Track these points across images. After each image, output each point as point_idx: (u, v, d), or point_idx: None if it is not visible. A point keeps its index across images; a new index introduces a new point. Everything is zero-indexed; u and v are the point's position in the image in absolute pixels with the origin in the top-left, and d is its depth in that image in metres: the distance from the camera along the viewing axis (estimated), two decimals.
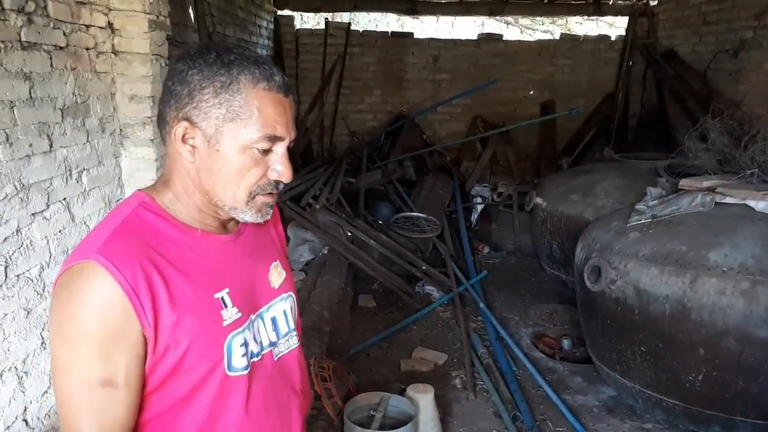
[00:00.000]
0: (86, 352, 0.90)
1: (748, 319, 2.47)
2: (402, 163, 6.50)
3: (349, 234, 4.69)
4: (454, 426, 3.02)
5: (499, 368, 3.47)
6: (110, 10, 2.66)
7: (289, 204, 4.66)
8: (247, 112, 0.95)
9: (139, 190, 1.06)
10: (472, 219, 6.12)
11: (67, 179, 2.37)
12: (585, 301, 3.16)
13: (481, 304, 4.21)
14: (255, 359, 1.06)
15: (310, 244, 4.84)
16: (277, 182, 1.02)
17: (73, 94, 2.40)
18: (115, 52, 2.72)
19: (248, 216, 1.02)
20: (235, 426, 1.04)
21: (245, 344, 1.03)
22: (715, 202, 2.89)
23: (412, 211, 5.48)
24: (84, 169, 2.51)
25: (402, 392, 2.82)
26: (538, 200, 4.65)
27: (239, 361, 1.02)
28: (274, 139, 0.98)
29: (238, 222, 1.10)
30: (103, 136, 2.68)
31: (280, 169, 1.00)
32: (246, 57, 0.98)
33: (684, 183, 3.12)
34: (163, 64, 2.93)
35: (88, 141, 2.53)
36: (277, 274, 1.17)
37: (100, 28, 2.60)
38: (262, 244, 1.17)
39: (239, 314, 1.03)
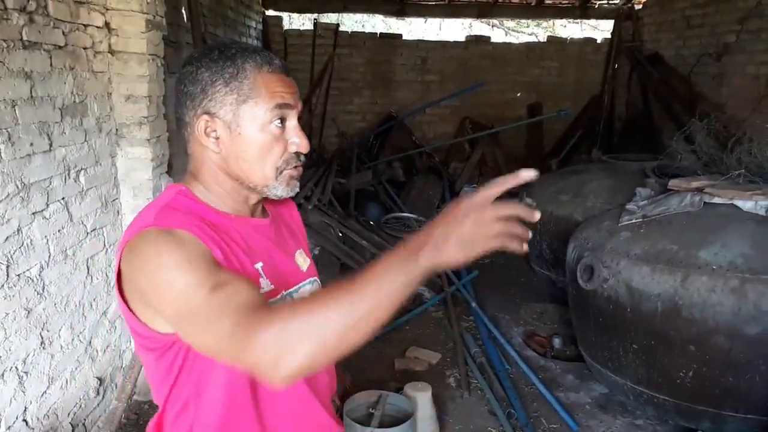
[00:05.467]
0: (191, 276, 0.92)
1: (737, 316, 2.53)
2: (391, 163, 6.54)
3: (341, 234, 4.71)
4: (450, 424, 3.06)
5: (493, 367, 3.51)
6: (107, 9, 2.66)
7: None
8: (256, 91, 1.04)
9: (169, 185, 1.11)
10: None
11: (65, 179, 2.37)
12: (577, 300, 3.21)
13: (473, 304, 4.25)
14: None
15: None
16: (298, 154, 1.10)
17: (72, 93, 2.40)
18: (111, 52, 2.72)
19: (280, 191, 1.09)
20: (272, 393, 1.06)
21: None
22: (704, 202, 2.95)
23: (403, 212, 5.52)
24: (82, 169, 2.50)
25: (398, 391, 2.85)
26: (528, 201, 4.67)
27: None
28: (284, 107, 1.06)
29: (264, 210, 1.19)
30: (100, 135, 2.67)
31: (297, 140, 1.08)
32: (246, 48, 1.07)
33: (673, 183, 3.18)
34: (159, 64, 2.93)
35: (85, 140, 2.53)
36: (302, 260, 1.24)
37: (97, 27, 2.60)
38: (286, 232, 1.24)
39: (272, 286, 1.09)
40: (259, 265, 1.08)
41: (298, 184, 1.12)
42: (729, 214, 2.86)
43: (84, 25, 2.50)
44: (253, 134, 1.05)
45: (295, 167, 1.09)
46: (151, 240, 0.96)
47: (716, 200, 2.93)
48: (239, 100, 1.03)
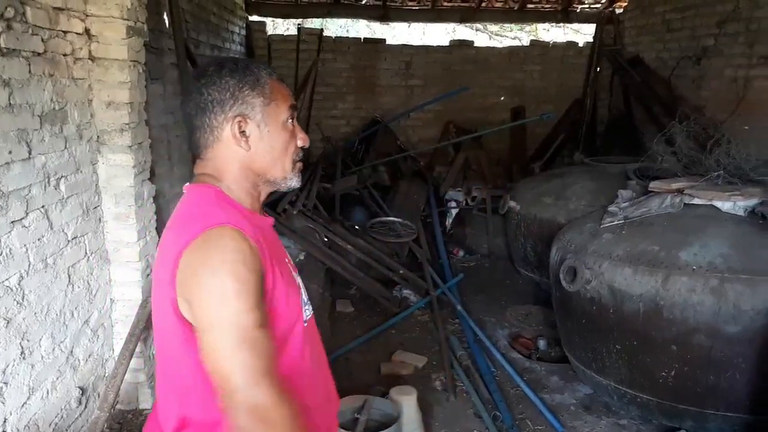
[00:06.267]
0: (245, 303, 1.05)
1: (717, 315, 2.57)
2: (376, 168, 6.55)
3: (326, 239, 4.70)
4: (436, 427, 3.06)
5: (478, 369, 3.53)
6: (87, 16, 2.64)
7: (265, 210, 4.65)
8: (274, 95, 1.22)
9: (191, 186, 1.23)
10: (446, 223, 6.18)
11: (45, 186, 2.34)
12: (561, 302, 3.24)
13: (459, 307, 4.26)
14: (310, 313, 1.30)
15: (287, 250, 4.83)
16: (302, 148, 1.27)
17: (51, 100, 2.38)
18: (92, 59, 2.70)
19: (294, 182, 1.27)
20: (319, 364, 1.30)
21: (304, 301, 1.27)
22: (684, 204, 3.00)
23: (388, 216, 5.53)
24: (62, 176, 2.48)
25: (384, 395, 2.85)
26: (512, 204, 4.74)
27: (306, 314, 1.26)
28: (293, 107, 1.25)
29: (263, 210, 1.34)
30: (81, 142, 2.65)
31: (301, 136, 1.26)
32: (250, 61, 1.25)
33: (654, 185, 3.22)
34: (141, 71, 2.91)
35: (65, 148, 2.50)
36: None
37: (77, 34, 2.58)
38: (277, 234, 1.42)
39: (298, 277, 1.29)
40: (287, 259, 1.29)
41: (301, 176, 1.29)
42: (708, 214, 2.90)
43: (63, 31, 2.48)
44: (277, 131, 1.22)
45: (300, 160, 1.27)
46: (227, 255, 1.06)
47: (696, 201, 2.98)
48: (265, 102, 1.20)
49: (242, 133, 1.19)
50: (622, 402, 3.04)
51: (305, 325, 1.25)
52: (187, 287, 1.08)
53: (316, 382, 1.29)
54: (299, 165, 1.27)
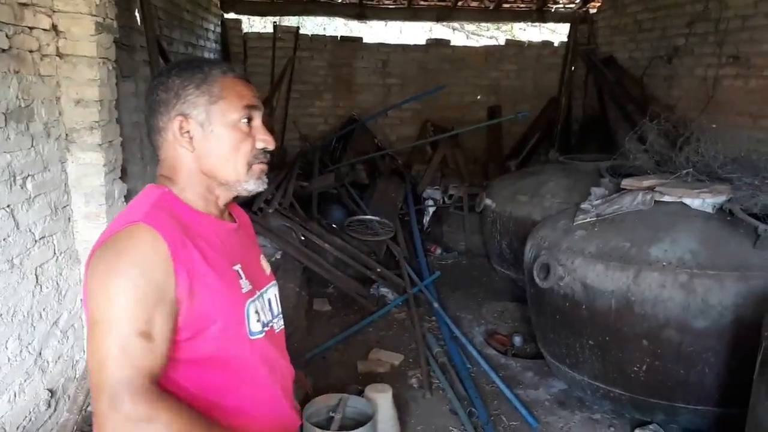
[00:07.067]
0: (131, 306, 1.01)
1: (686, 311, 2.61)
2: (354, 166, 6.54)
3: (303, 238, 4.68)
4: (412, 425, 3.07)
5: (454, 366, 3.54)
6: (54, 12, 2.59)
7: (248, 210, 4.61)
8: (225, 93, 1.16)
9: (148, 185, 1.19)
10: (424, 221, 6.20)
11: (11, 185, 2.29)
12: (535, 298, 3.27)
13: (435, 304, 4.28)
14: (266, 328, 1.23)
15: (263, 250, 4.78)
16: (265, 151, 1.20)
17: (17, 97, 2.32)
18: (60, 55, 2.64)
19: (251, 185, 1.20)
20: (259, 382, 1.21)
21: (257, 312, 1.21)
22: (655, 201, 3.04)
23: (366, 214, 5.52)
24: (29, 175, 2.43)
25: (360, 393, 2.85)
26: (488, 201, 4.77)
27: (255, 326, 1.19)
28: (251, 107, 1.18)
29: (231, 216, 1.29)
30: (49, 141, 2.59)
31: (263, 137, 1.19)
32: (208, 59, 1.26)
33: (626, 183, 3.27)
34: (111, 68, 2.87)
35: (32, 146, 2.45)
36: (265, 264, 1.36)
37: (44, 30, 2.52)
38: (250, 239, 1.37)
39: (250, 286, 1.21)
40: (237, 267, 1.19)
41: (266, 179, 1.22)
42: (678, 211, 2.95)
43: (29, 27, 2.43)
44: (224, 132, 1.16)
45: (262, 162, 1.20)
46: (124, 254, 1.04)
47: (666, 198, 3.03)
48: (210, 101, 1.15)
49: (187, 133, 1.15)
50: (595, 397, 3.08)
51: (250, 338, 1.18)
52: (89, 283, 1.07)
53: (259, 404, 1.22)
54: (259, 167, 1.20)
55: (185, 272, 1.06)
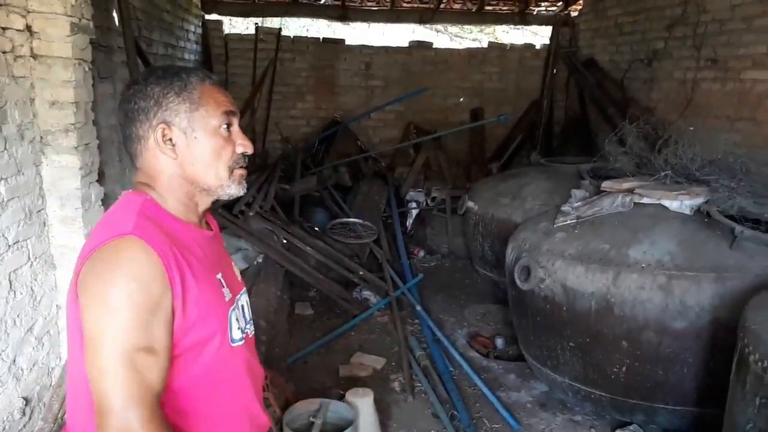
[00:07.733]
0: (131, 320, 1.01)
1: (665, 312, 2.63)
2: (337, 169, 6.51)
3: (285, 241, 4.65)
4: (394, 429, 3.05)
5: (437, 369, 3.54)
6: (29, 12, 2.53)
7: (221, 212, 4.57)
8: (204, 100, 1.18)
9: (126, 192, 1.19)
10: (407, 224, 6.20)
11: None
12: (516, 300, 3.27)
13: (418, 307, 4.27)
14: (243, 335, 1.26)
15: (244, 253, 4.75)
16: (244, 155, 1.23)
17: None
18: (34, 56, 2.59)
19: (233, 189, 1.22)
20: (240, 389, 1.24)
21: (237, 320, 1.23)
22: (634, 203, 3.07)
23: (349, 217, 5.50)
24: (1, 179, 2.37)
25: (341, 398, 2.83)
26: (470, 204, 4.77)
27: (236, 333, 1.22)
28: (230, 113, 1.20)
29: (207, 223, 1.31)
30: (23, 143, 2.54)
31: (242, 142, 1.22)
32: (184, 67, 1.23)
33: (606, 185, 3.29)
34: (87, 69, 2.82)
35: (5, 149, 2.40)
36: (237, 271, 1.39)
37: (17, 30, 2.47)
38: (222, 245, 1.37)
39: (230, 294, 1.23)
40: (219, 276, 1.22)
41: (245, 183, 1.25)
42: (657, 213, 2.97)
43: (2, 28, 2.38)
44: (205, 138, 1.17)
45: (242, 167, 1.22)
46: (121, 267, 1.03)
47: (645, 200, 3.05)
48: (191, 108, 1.16)
49: (169, 140, 1.16)
50: (576, 398, 3.09)
51: (232, 345, 1.21)
52: (82, 297, 1.05)
53: (242, 410, 1.25)
54: (239, 172, 1.22)
55: (178, 284, 1.07)
